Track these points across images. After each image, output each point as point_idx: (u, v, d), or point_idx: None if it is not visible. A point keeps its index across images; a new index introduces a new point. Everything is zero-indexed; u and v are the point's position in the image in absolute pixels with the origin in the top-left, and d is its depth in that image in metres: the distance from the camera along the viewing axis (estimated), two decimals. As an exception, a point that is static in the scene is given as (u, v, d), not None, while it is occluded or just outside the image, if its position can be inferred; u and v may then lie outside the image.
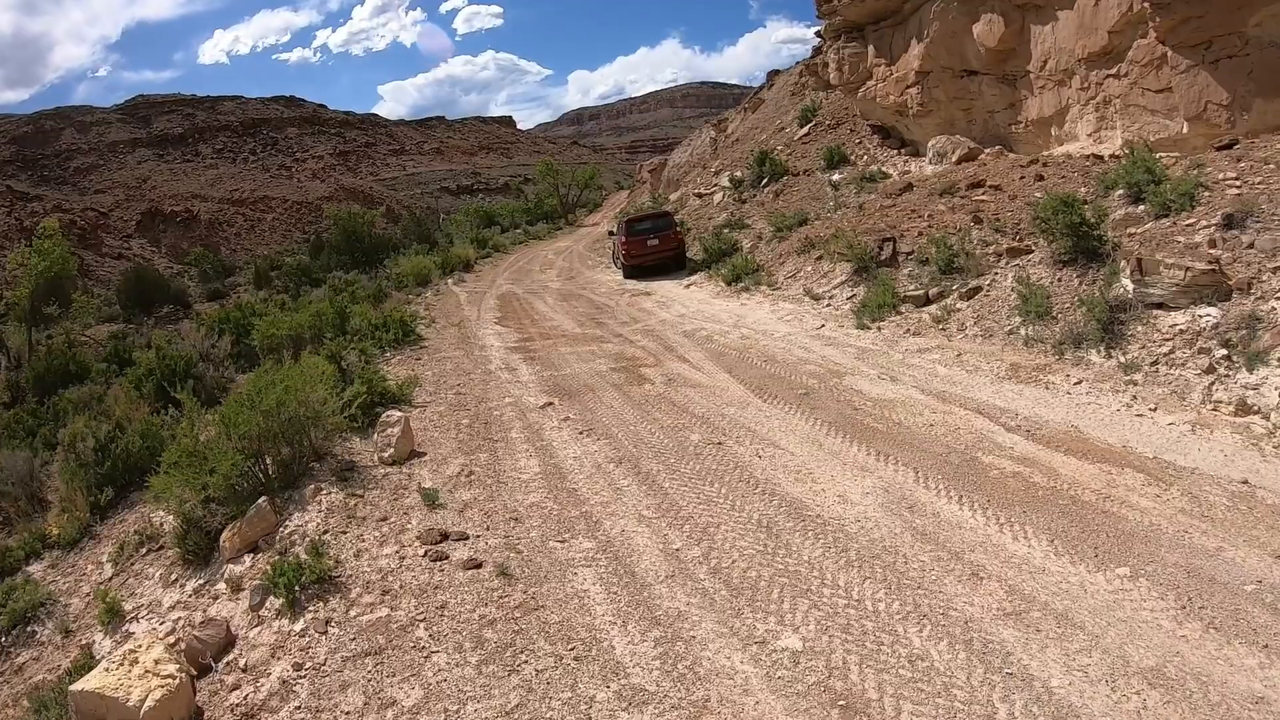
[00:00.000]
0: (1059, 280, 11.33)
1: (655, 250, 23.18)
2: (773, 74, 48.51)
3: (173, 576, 7.95)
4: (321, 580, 6.46)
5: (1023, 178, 15.65)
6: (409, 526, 7.37)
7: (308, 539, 7.25)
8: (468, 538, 7.02)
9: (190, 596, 7.40)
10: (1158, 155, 12.52)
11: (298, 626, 6.07)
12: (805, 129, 28.96)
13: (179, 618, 7.10)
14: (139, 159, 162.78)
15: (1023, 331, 10.90)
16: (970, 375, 10.07)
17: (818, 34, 31.48)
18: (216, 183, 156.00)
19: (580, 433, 9.40)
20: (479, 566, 6.49)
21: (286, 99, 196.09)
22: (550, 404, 10.67)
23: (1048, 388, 9.24)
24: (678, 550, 6.36)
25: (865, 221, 17.22)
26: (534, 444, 9.19)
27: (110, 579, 8.82)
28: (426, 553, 6.79)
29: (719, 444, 8.51)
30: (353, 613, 6.12)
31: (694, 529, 6.69)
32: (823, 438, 8.45)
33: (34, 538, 10.50)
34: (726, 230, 23.64)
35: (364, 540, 7.21)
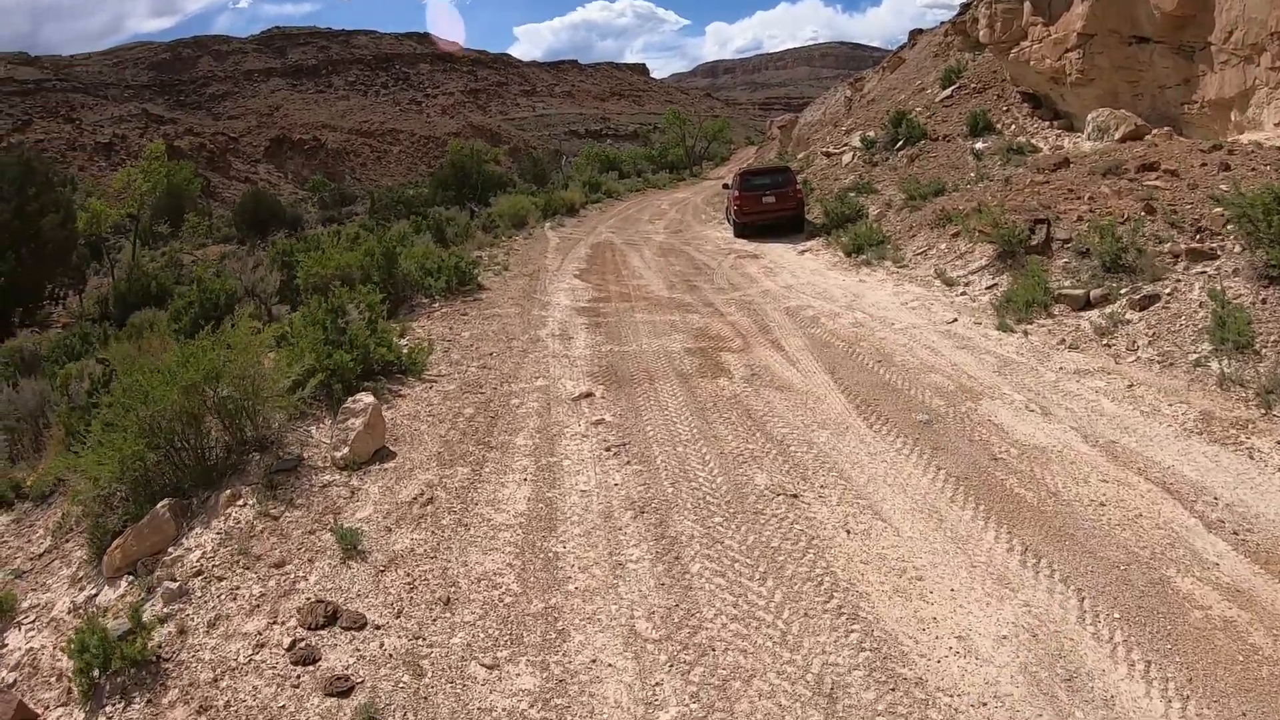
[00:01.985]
0: (1264, 302, 8.74)
1: (771, 209, 20.78)
2: (915, 33, 44.99)
3: (79, 575, 6.28)
4: (139, 665, 4.51)
5: (1204, 165, 13.14)
6: (300, 587, 5.25)
7: (187, 572, 5.39)
8: (363, 626, 4.82)
9: (68, 615, 5.69)
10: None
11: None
12: (948, 91, 26.49)
13: (43, 645, 5.43)
14: (272, 88, 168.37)
15: (1215, 366, 8.23)
16: (1147, 420, 7.40)
17: None
18: (346, 114, 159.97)
19: (608, 448, 7.07)
20: (345, 695, 4.25)
21: (420, 35, 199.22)
22: (589, 395, 8.43)
23: (1253, 456, 6.53)
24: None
25: (1013, 198, 14.53)
26: (538, 460, 6.91)
27: (39, 557, 7.26)
28: (294, 646, 4.64)
29: (793, 498, 5.99)
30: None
31: (708, 680, 4.24)
32: (946, 507, 5.87)
33: (8, 486, 9.17)
34: (852, 194, 21.12)
35: (235, 598, 5.23)
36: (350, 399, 7.33)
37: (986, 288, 12.22)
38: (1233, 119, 15.07)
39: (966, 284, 12.64)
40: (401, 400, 8.46)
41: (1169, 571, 5.03)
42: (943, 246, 14.49)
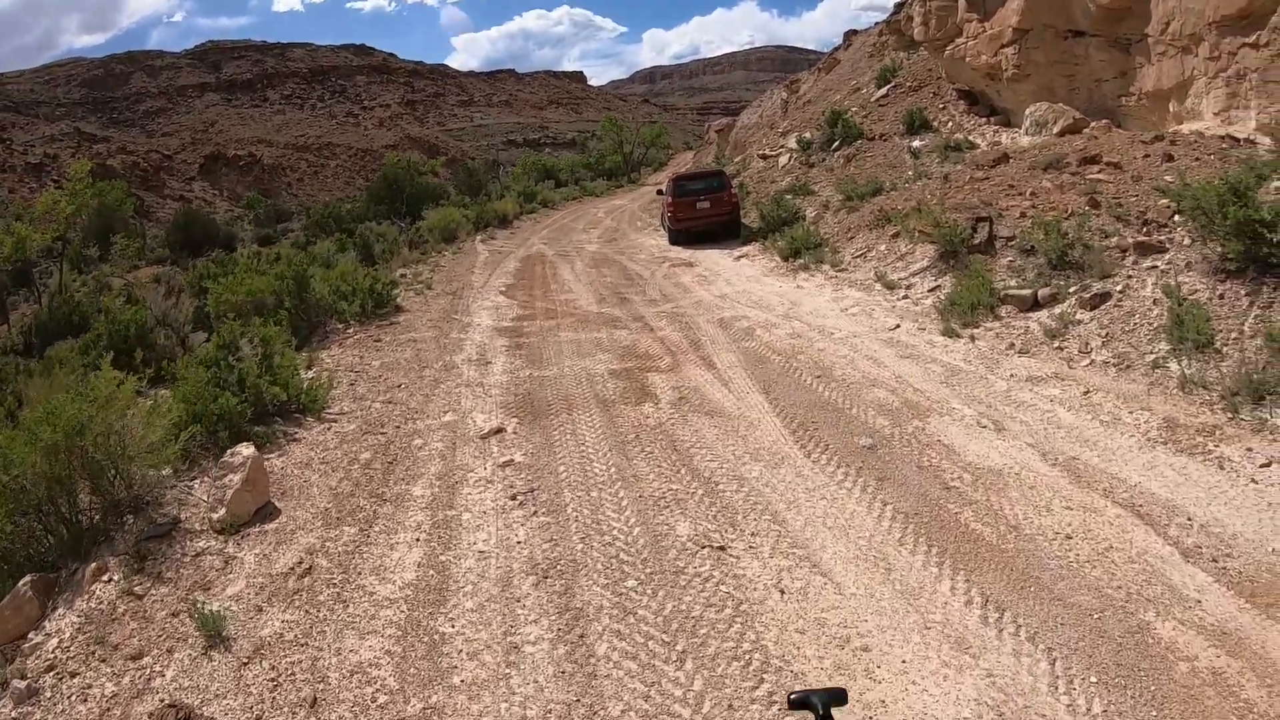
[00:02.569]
0: (1221, 297, 8.29)
1: (706, 214, 20.15)
2: (850, 34, 44.87)
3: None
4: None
5: (1147, 156, 12.85)
6: (155, 685, 4.42)
7: (40, 666, 4.52)
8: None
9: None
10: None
11: None
12: (883, 91, 26.14)
13: None
14: (207, 103, 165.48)
15: (1175, 367, 7.72)
16: (1108, 431, 6.78)
17: None
18: (282, 128, 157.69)
19: (514, 496, 6.23)
20: None
21: (356, 47, 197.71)
22: (500, 430, 7.59)
23: (1223, 466, 5.95)
24: None
25: (953, 195, 14.07)
26: (434, 514, 6.04)
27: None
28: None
29: (720, 550, 5.20)
30: None
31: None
32: (895, 551, 5.13)
33: None
34: (789, 196, 20.57)
35: (86, 699, 4.46)
36: (230, 451, 6.46)
37: (929, 290, 11.68)
38: (1171, 110, 14.72)
39: (908, 287, 12.10)
40: (295, 445, 7.61)
41: (1148, 615, 4.42)
42: (882, 248, 13.96)
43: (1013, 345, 9.05)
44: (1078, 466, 6.12)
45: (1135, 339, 8.53)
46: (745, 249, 17.90)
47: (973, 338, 9.54)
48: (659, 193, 25.08)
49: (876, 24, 37.68)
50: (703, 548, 5.19)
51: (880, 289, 12.35)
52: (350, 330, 12.16)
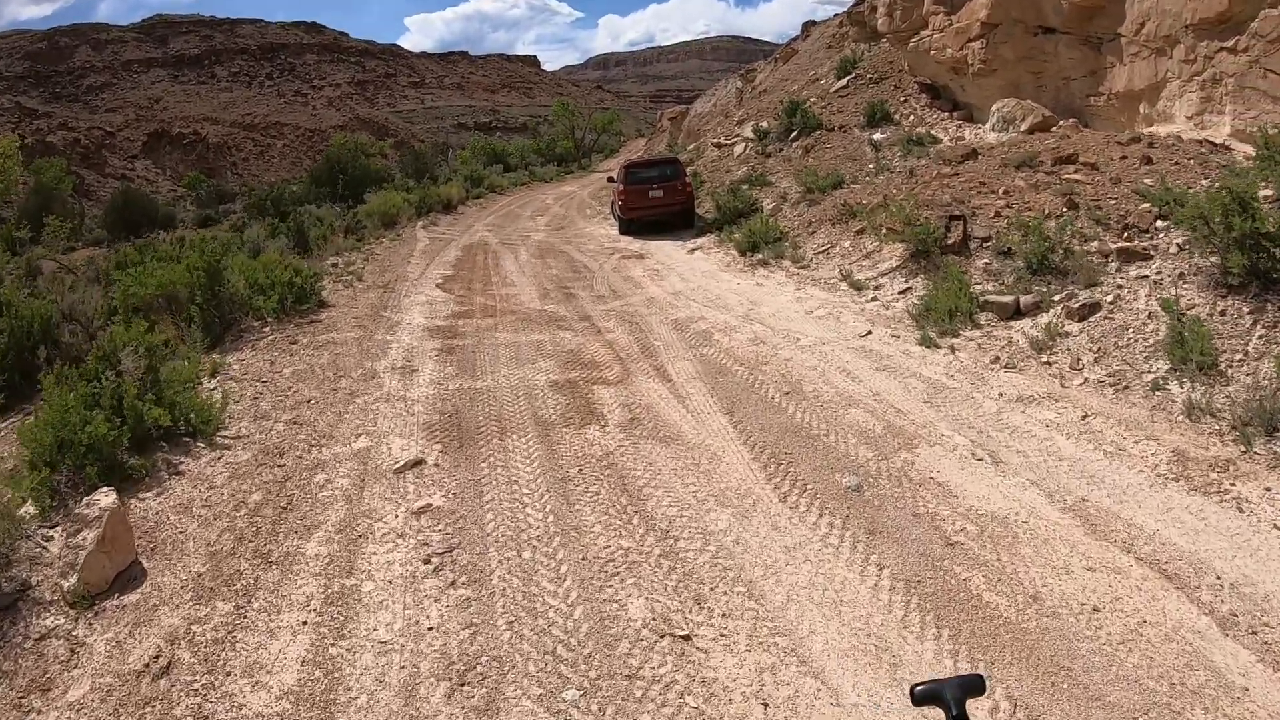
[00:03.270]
0: (1222, 313, 7.63)
1: (658, 203, 19.19)
2: (808, 24, 44.25)
3: None
4: None
5: (1124, 158, 12.39)
6: None
7: None
8: None
9: None
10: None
11: None
12: (843, 82, 25.48)
13: None
14: (153, 79, 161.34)
15: (1177, 390, 6.96)
16: (1114, 465, 5.93)
17: None
18: (229, 106, 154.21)
19: (429, 558, 5.07)
20: None
21: (308, 25, 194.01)
22: (419, 463, 6.46)
23: (1242, 509, 5.13)
24: None
25: (920, 191, 13.31)
26: (329, 584, 4.86)
27: None
28: None
29: (684, 640, 4.14)
30: None
31: None
32: (899, 638, 4.15)
33: None
34: (745, 186, 19.67)
35: None
36: (86, 500, 5.26)
37: (899, 292, 10.88)
38: (1141, 112, 14.36)
39: (877, 288, 11.28)
40: (178, 480, 6.41)
41: (1195, 715, 3.56)
42: (846, 244, 13.13)
43: (997, 359, 8.23)
44: (1090, 511, 5.27)
45: (1130, 355, 7.77)
46: (699, 241, 17.00)
47: (952, 348, 8.69)
48: (609, 180, 24.03)
49: (836, 15, 37.15)
50: (662, 637, 4.14)
51: (847, 289, 11.50)
52: (267, 329, 10.97)
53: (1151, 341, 7.76)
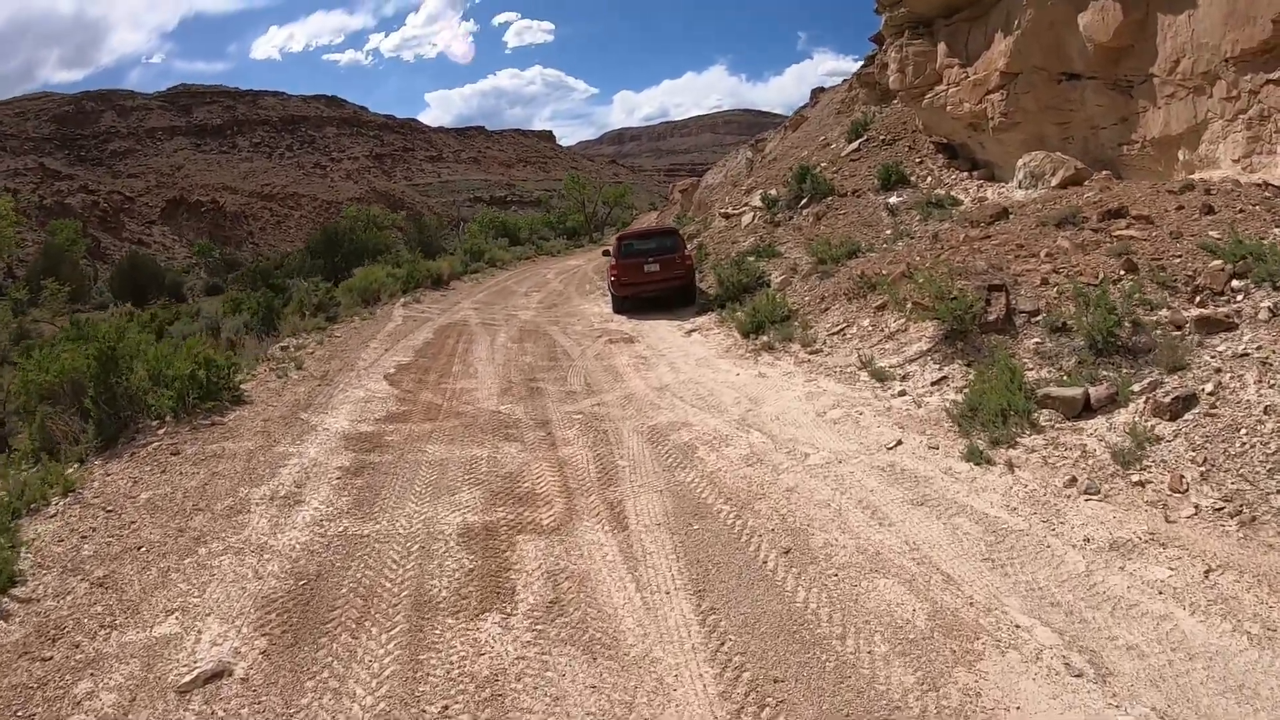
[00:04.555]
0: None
1: (655, 279, 17.34)
2: (817, 91, 43.02)
3: None
4: None
5: (1180, 208, 10.81)
6: None
7: None
8: None
9: None
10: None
11: None
12: (854, 145, 24.11)
13: None
14: (175, 147, 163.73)
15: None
16: (1263, 655, 3.94)
17: (873, 39, 27.43)
18: (249, 176, 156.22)
19: None
20: None
21: (328, 98, 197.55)
22: (220, 676, 4.28)
23: None
24: None
25: (949, 257, 11.47)
26: None
27: None
28: None
29: None
30: None
31: None
32: None
33: None
34: (752, 258, 17.82)
35: None
36: None
37: (933, 383, 8.86)
38: (1181, 158, 13.14)
39: (904, 377, 9.27)
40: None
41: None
42: (865, 323, 11.19)
43: (1073, 480, 6.15)
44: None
45: (1249, 469, 5.77)
46: (698, 320, 15.10)
47: (1010, 464, 6.60)
48: (605, 254, 22.17)
49: (844, 80, 36.06)
50: None
51: (867, 380, 9.49)
52: (163, 430, 9.02)
53: (1275, 448, 5.75)
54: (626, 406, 9.49)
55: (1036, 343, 8.65)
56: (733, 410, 9.00)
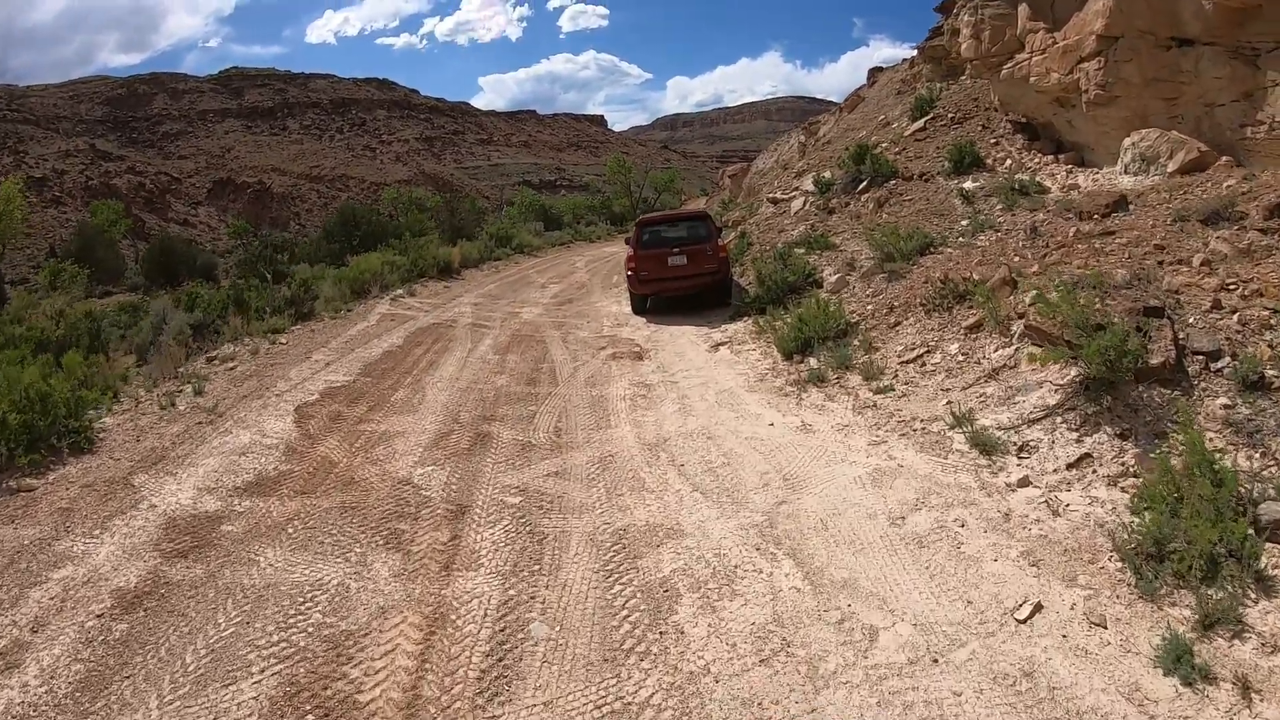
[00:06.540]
0: None
1: (680, 274, 14.14)
2: (875, 71, 39.39)
3: None
4: None
5: None
6: None
7: None
8: None
9: None
10: None
11: None
12: (919, 124, 20.90)
13: None
14: (226, 129, 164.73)
15: None
16: None
17: (939, 8, 24.53)
18: (299, 158, 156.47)
19: None
20: None
21: (379, 81, 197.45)
22: None
23: None
24: None
25: (1060, 260, 8.44)
26: None
27: None
28: None
29: None
30: None
31: None
32: None
33: None
34: (800, 250, 14.60)
35: None
36: None
37: (1069, 465, 5.69)
38: None
39: (1022, 449, 6.09)
40: None
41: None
42: (953, 349, 8.07)
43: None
44: None
45: None
46: (730, 329, 12.05)
47: (1245, 683, 3.42)
48: (626, 241, 18.82)
49: (905, 60, 32.69)
50: None
51: (965, 450, 6.28)
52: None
53: None
54: (595, 483, 6.44)
55: (1225, 405, 5.55)
56: (755, 500, 5.85)
